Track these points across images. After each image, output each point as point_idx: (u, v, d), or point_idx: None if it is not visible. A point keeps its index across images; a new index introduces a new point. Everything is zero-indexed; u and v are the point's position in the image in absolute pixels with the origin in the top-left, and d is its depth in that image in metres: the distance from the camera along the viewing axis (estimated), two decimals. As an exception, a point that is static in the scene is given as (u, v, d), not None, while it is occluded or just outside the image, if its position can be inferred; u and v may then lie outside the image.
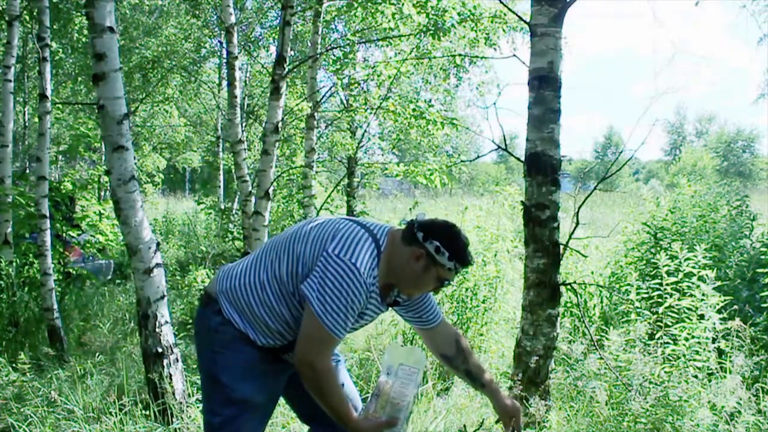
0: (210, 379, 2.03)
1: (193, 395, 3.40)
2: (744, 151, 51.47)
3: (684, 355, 3.43)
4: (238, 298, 1.99)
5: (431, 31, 6.45)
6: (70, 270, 6.23)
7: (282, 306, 1.95)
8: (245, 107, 10.48)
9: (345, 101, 10.69)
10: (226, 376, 1.98)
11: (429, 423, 3.34)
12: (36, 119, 8.17)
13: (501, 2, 5.45)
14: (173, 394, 3.25)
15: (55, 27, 9.38)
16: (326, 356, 1.88)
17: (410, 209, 7.00)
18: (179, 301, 6.13)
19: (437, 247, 1.91)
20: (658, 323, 3.66)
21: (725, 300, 3.64)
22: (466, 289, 4.75)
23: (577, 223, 3.57)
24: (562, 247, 3.35)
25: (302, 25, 9.56)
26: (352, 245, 1.87)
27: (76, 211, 7.05)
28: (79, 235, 6.77)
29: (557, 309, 3.32)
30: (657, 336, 3.57)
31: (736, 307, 3.68)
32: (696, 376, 3.30)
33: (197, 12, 10.26)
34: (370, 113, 7.96)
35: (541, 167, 3.23)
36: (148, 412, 3.23)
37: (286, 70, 5.14)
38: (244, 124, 8.91)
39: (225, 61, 9.97)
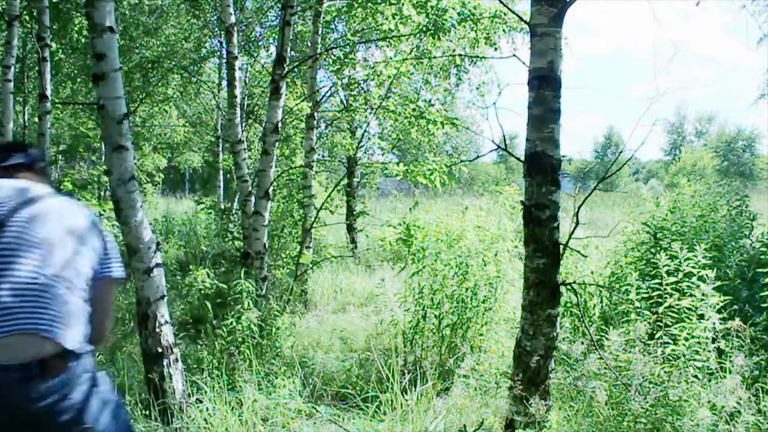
0: None
1: (193, 395, 3.40)
2: (744, 150, 51.43)
3: (684, 355, 3.43)
4: None
5: (431, 31, 6.45)
6: (70, 270, 6.21)
7: None
8: (245, 107, 10.46)
9: (345, 101, 10.69)
10: None
11: (429, 423, 3.34)
12: (36, 119, 8.17)
13: (501, 2, 5.46)
14: (173, 393, 3.26)
15: (55, 27, 9.38)
16: None
17: (410, 209, 7.01)
18: (179, 301, 6.14)
19: None
20: (658, 323, 3.66)
21: (725, 300, 3.63)
22: (466, 289, 4.75)
23: (577, 223, 3.57)
24: (562, 247, 3.35)
25: (302, 25, 9.55)
26: None
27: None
28: (79, 235, 6.75)
29: (557, 309, 3.32)
30: (657, 336, 3.57)
31: (736, 307, 3.67)
32: (696, 376, 3.30)
33: (197, 12, 10.26)
34: (370, 113, 7.96)
35: (541, 167, 3.23)
36: (148, 412, 3.23)
37: (286, 70, 5.14)
38: (244, 124, 8.89)
39: (225, 61, 9.96)
